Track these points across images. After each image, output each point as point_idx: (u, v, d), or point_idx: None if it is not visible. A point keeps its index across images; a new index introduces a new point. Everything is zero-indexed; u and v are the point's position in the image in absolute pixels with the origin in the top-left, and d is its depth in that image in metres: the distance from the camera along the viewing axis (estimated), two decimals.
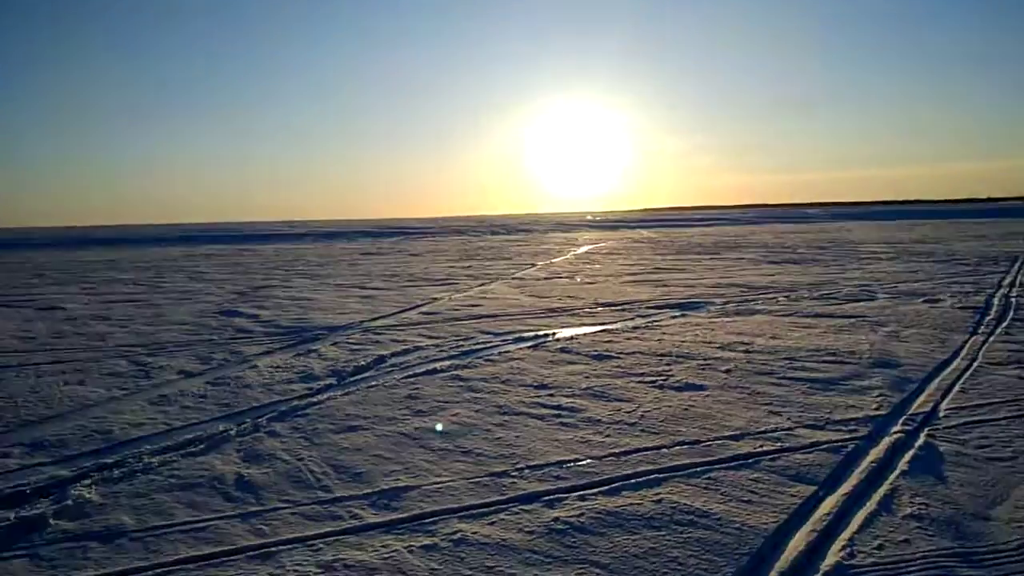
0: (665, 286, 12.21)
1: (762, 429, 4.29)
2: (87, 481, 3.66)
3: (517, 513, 3.18)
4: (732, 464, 3.75)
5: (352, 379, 5.91)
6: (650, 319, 8.62)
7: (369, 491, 3.48)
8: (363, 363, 6.43)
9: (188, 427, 4.65)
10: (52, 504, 3.35)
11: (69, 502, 3.35)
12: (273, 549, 2.89)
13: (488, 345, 7.25)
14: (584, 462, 3.80)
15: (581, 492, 3.40)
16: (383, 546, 2.90)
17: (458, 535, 2.97)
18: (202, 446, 4.21)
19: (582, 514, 3.16)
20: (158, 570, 2.75)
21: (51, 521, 3.18)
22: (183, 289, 13.98)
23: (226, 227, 67.38)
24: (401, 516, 3.19)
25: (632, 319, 8.71)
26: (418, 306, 10.51)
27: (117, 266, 21.60)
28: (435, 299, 11.30)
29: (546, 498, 3.34)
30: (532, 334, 7.75)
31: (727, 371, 5.75)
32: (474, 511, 3.22)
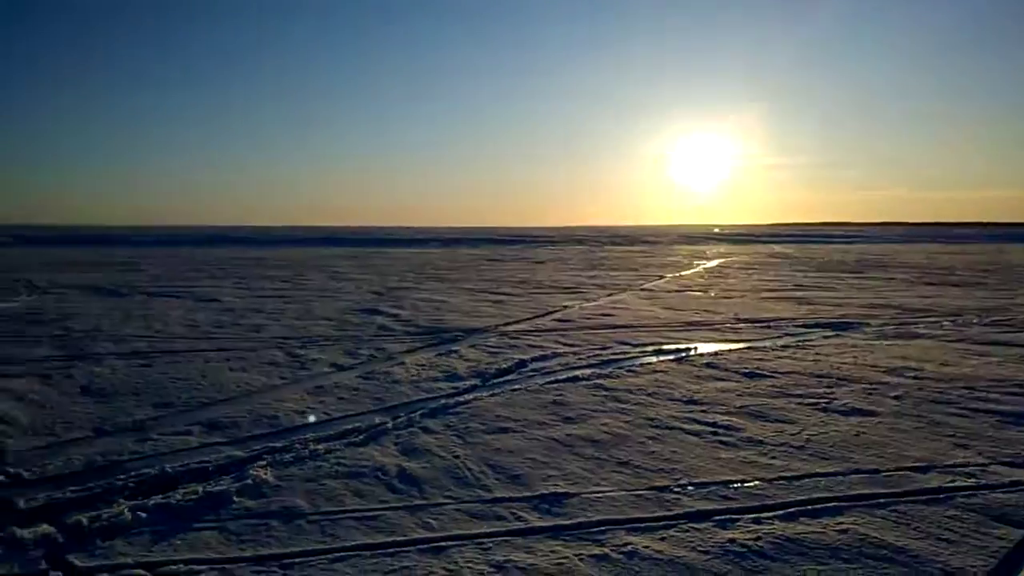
0: (810, 304, 11.52)
1: (950, 463, 3.88)
2: (262, 463, 3.84)
3: (687, 531, 3.03)
4: (921, 498, 3.40)
5: (495, 381, 5.93)
6: (800, 338, 8.13)
7: (529, 494, 3.43)
8: (504, 366, 6.45)
9: (346, 418, 4.81)
10: (233, 482, 3.53)
11: (249, 481, 3.52)
12: (443, 544, 2.90)
13: (627, 356, 7.08)
14: (752, 483, 3.58)
15: (754, 515, 3.19)
16: (551, 551, 2.83)
17: (629, 547, 2.85)
18: (361, 437, 4.34)
19: (759, 538, 2.95)
20: (336, 554, 2.81)
21: (234, 498, 3.35)
22: (325, 287, 14.73)
23: (357, 231, 70.78)
24: (565, 523, 3.11)
25: (779, 337, 8.25)
26: (549, 313, 10.48)
27: (263, 263, 23.14)
28: (566, 307, 11.24)
29: (717, 518, 3.16)
30: (672, 347, 7.50)
31: (897, 397, 5.29)
32: (641, 524, 3.09)
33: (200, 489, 3.44)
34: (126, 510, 3.15)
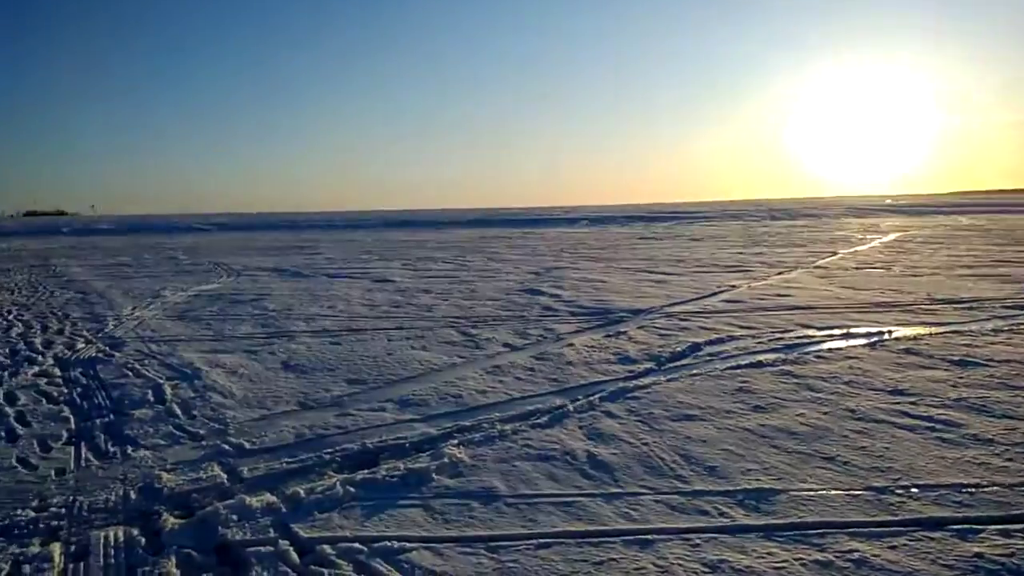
0: (1017, 282, 10.18)
1: None
2: (454, 441, 3.94)
3: (921, 540, 2.72)
4: None
5: (671, 365, 5.74)
6: (1012, 321, 7.18)
7: (730, 488, 3.25)
8: (678, 349, 6.23)
9: (526, 399, 4.84)
10: (431, 460, 3.64)
11: (445, 460, 3.62)
12: (648, 537, 2.80)
13: (812, 340, 6.59)
14: (989, 488, 3.16)
15: (1001, 526, 2.81)
16: (768, 553, 2.65)
17: (856, 555, 2.61)
18: (545, 419, 4.34)
19: (1012, 554, 2.59)
20: (540, 540, 2.81)
21: (434, 476, 3.46)
22: (485, 267, 15.09)
23: (506, 212, 72.14)
24: (777, 522, 2.91)
25: (987, 320, 7.34)
26: (716, 293, 10.03)
27: (425, 246, 24.15)
28: (733, 287, 10.71)
29: (954, 527, 2.81)
30: (862, 331, 6.89)
31: None
32: (865, 529, 2.82)
33: (401, 466, 3.58)
34: (338, 484, 3.34)
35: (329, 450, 3.89)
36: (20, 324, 8.51)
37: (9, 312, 9.68)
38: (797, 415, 4.31)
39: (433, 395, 4.97)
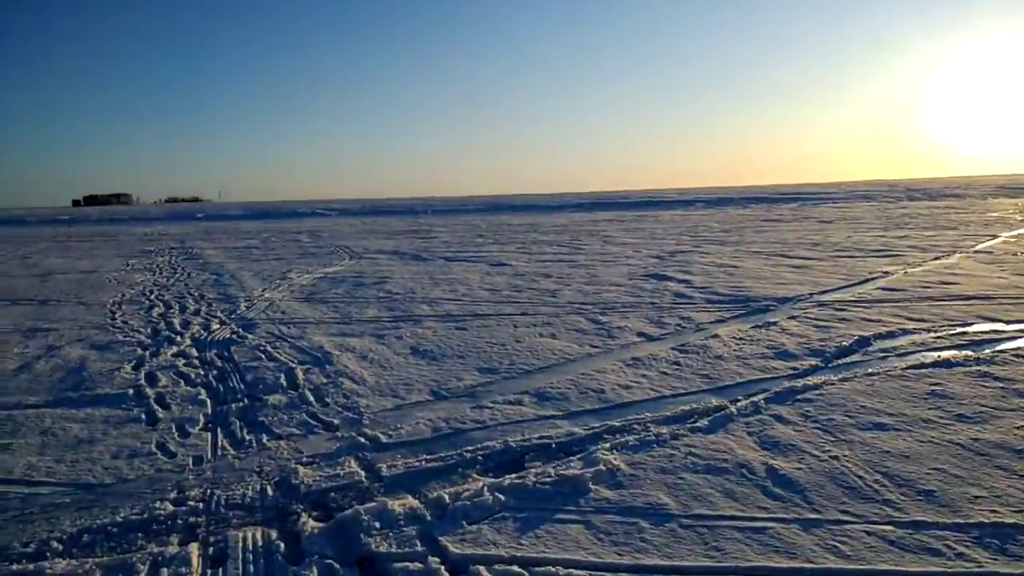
0: None
1: None
2: (605, 444, 3.52)
3: None
4: None
5: (840, 362, 5.06)
6: None
7: (961, 521, 2.65)
8: (843, 344, 5.51)
9: (677, 397, 4.35)
10: (584, 466, 3.24)
11: (600, 467, 3.21)
12: None
13: (1002, 335, 5.69)
14: None
15: None
16: None
17: None
18: (705, 422, 3.83)
19: None
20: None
21: (591, 486, 3.05)
22: (602, 251, 14.54)
23: (615, 195, 70.77)
24: None
25: None
26: (868, 280, 9.05)
27: (538, 229, 23.83)
28: (886, 273, 9.65)
29: None
30: None
31: None
32: None
33: (551, 471, 3.20)
34: (485, 489, 3.00)
35: (469, 448, 3.57)
36: (161, 304, 8.85)
37: (151, 292, 10.14)
38: (1017, 428, 3.58)
39: (572, 389, 4.56)
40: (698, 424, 3.80)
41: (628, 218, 30.76)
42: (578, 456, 3.39)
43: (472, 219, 34.00)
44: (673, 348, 5.63)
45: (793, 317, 6.69)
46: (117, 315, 8.07)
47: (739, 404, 4.10)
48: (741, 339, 5.86)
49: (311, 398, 4.55)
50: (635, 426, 3.80)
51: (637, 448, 3.48)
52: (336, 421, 4.08)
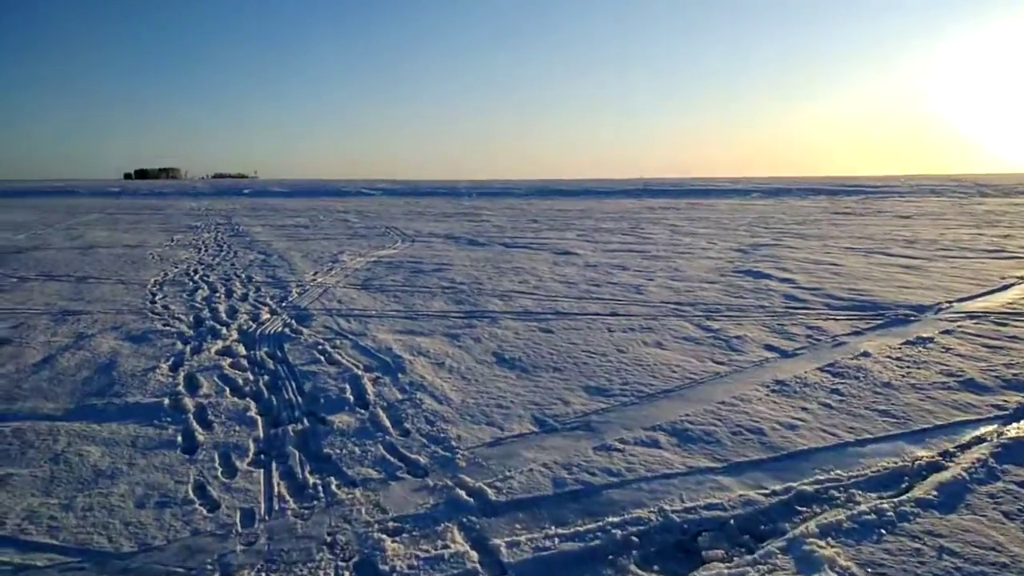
0: None
1: None
2: (809, 525, 2.50)
3: None
4: None
5: None
6: None
7: None
8: None
9: (863, 444, 3.31)
10: (797, 567, 2.22)
11: (825, 571, 2.18)
12: None
13: None
14: None
15: None
16: None
17: None
18: (932, 492, 2.78)
19: None
20: None
21: None
22: (672, 241, 13.41)
23: (663, 182, 68.78)
24: None
25: None
26: (1008, 286, 7.80)
27: (592, 215, 22.69)
28: (1022, 278, 8.36)
29: None
30: None
31: None
32: None
33: (753, 573, 2.20)
34: None
35: (613, 518, 2.60)
36: (205, 286, 8.06)
37: (195, 272, 9.38)
38: None
39: (718, 425, 3.55)
40: (924, 496, 2.75)
41: (682, 206, 29.39)
42: (778, 544, 2.39)
43: (519, 203, 32.93)
44: (820, 369, 4.56)
45: (948, 332, 5.54)
46: (157, 297, 7.29)
47: (961, 463, 3.04)
48: (900, 359, 4.76)
49: (386, 421, 3.62)
50: (833, 492, 2.78)
51: (859, 535, 2.46)
52: (423, 460, 3.14)
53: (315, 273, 9.20)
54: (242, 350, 5.05)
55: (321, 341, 5.29)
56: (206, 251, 12.14)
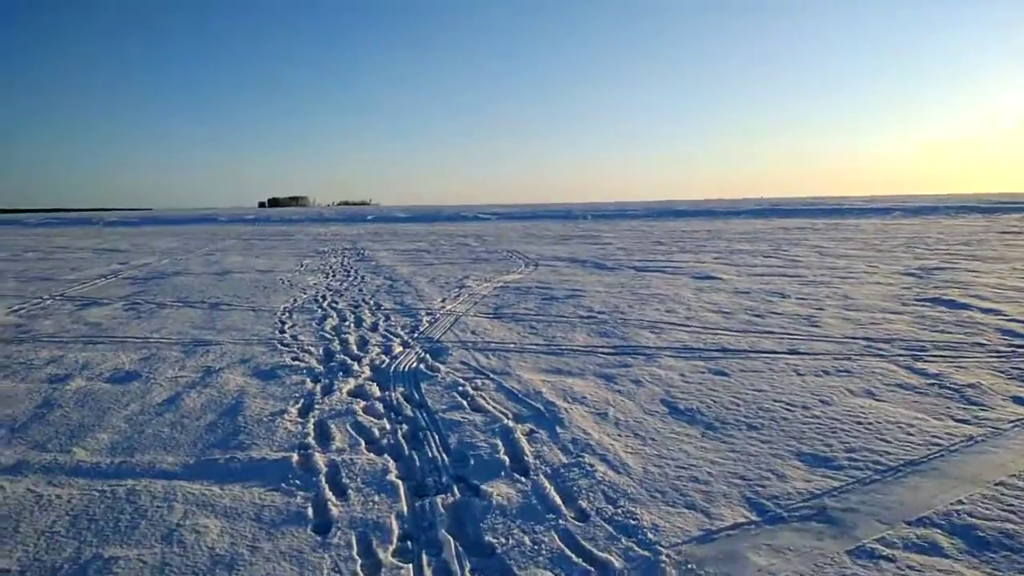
0: None
1: None
2: None
3: None
4: None
5: None
6: None
7: None
8: None
9: None
10: None
11: None
12: None
13: None
14: None
15: None
16: None
17: None
18: None
19: None
20: None
21: None
22: (824, 264, 12.03)
23: (793, 201, 65.15)
24: None
25: None
26: None
27: (721, 236, 21.32)
28: None
29: None
30: None
31: None
32: None
33: None
34: None
35: None
36: (334, 314, 7.72)
37: (324, 298, 9.15)
38: None
39: (1015, 520, 2.54)
40: None
41: (820, 226, 27.23)
42: None
43: (637, 225, 31.79)
44: None
45: None
46: (287, 326, 6.98)
47: None
48: None
49: (555, 496, 2.88)
50: None
51: None
52: (616, 562, 2.37)
53: (443, 300, 8.72)
54: (376, 390, 4.50)
55: (460, 380, 4.66)
56: (333, 276, 12.04)
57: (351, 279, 11.50)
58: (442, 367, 5.05)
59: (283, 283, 11.10)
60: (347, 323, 7.11)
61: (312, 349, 5.83)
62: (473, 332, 6.45)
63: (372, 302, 8.62)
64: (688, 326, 6.56)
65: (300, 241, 24.22)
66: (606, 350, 5.60)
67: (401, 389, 4.54)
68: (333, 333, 6.55)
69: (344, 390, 4.50)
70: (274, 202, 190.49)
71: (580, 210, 53.82)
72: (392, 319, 7.28)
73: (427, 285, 10.34)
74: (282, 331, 6.72)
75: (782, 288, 9.08)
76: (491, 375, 4.82)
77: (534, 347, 5.77)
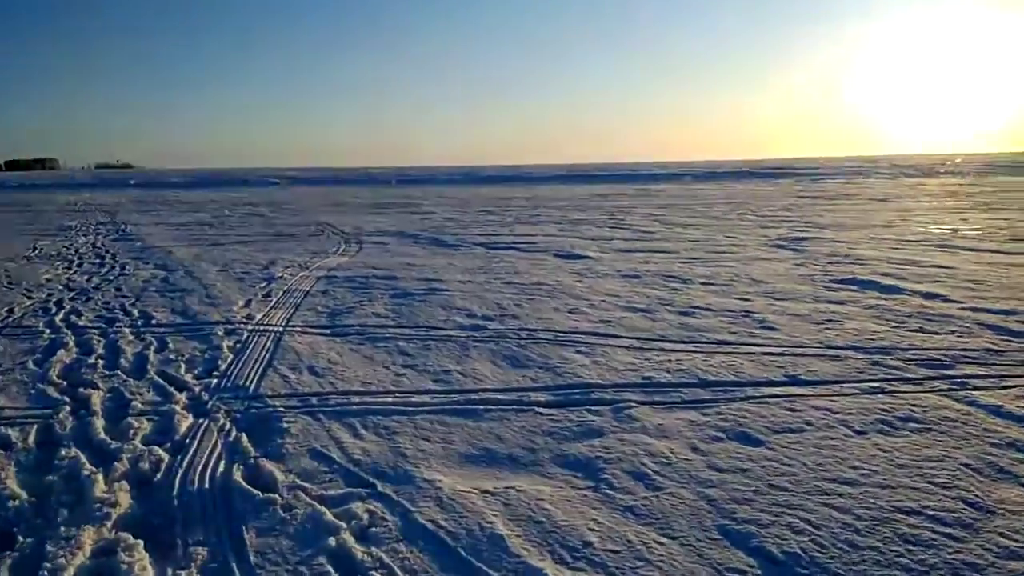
0: None
1: None
2: None
3: None
4: None
5: None
6: None
7: None
8: None
9: None
10: None
11: None
12: None
13: None
14: None
15: None
16: None
17: None
18: None
19: None
20: None
21: None
22: (683, 238, 11.00)
23: (587, 167, 67.14)
24: None
25: None
26: None
27: (544, 204, 20.14)
28: None
29: None
30: None
31: None
32: None
33: None
34: None
35: None
36: (71, 338, 4.88)
37: (59, 305, 6.12)
38: None
39: None
40: None
41: (631, 191, 27.31)
42: None
43: (450, 192, 29.90)
44: None
45: None
46: None
47: None
48: None
49: None
50: None
51: None
52: None
53: (247, 301, 6.15)
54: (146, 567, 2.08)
55: (326, 517, 2.38)
56: (79, 265, 8.70)
57: (106, 269, 8.31)
58: (279, 474, 2.71)
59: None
60: (92, 358, 4.37)
61: (13, 436, 3.13)
62: (311, 368, 4.10)
63: (137, 310, 5.82)
64: (616, 336, 4.77)
65: (40, 213, 19.16)
66: (540, 396, 3.59)
67: (199, 534, 2.16)
68: (61, 386, 3.82)
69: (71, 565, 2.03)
70: (12, 165, 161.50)
71: (384, 175, 50.68)
72: (171, 345, 4.65)
73: (219, 276, 7.59)
74: None
75: (670, 269, 7.67)
76: (379, 489, 2.58)
77: (425, 398, 3.59)
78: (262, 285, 7.03)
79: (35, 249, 10.53)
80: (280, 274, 7.74)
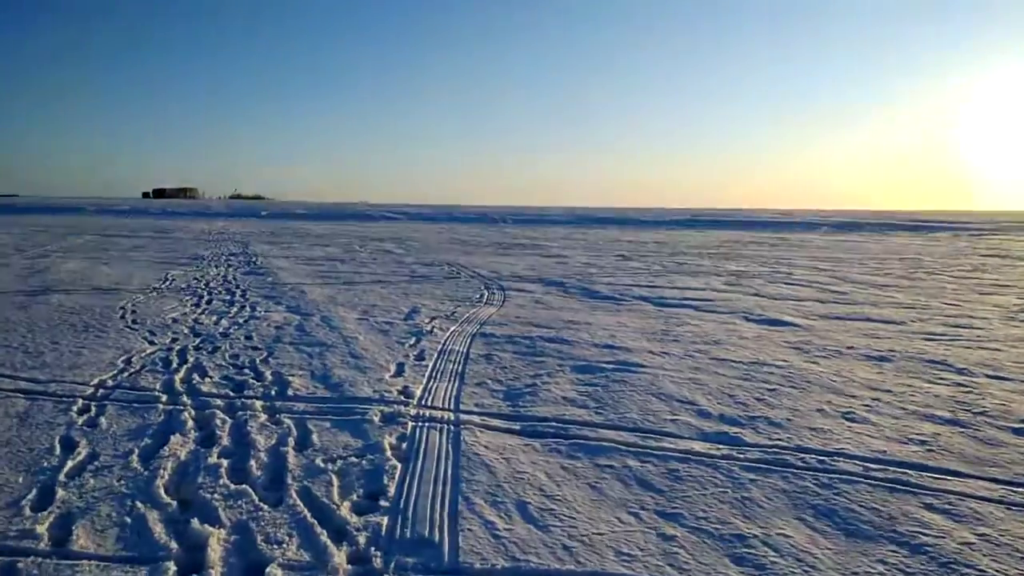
0: None
1: None
2: None
3: None
4: None
5: None
6: None
7: None
8: None
9: None
10: None
11: None
12: None
13: None
14: None
15: None
16: None
17: None
18: None
19: None
20: None
21: None
22: (884, 300, 9.03)
23: (706, 212, 64.52)
24: None
25: None
26: None
27: (678, 248, 18.38)
28: None
29: None
30: None
31: None
32: None
33: None
34: None
35: None
36: (190, 414, 3.75)
37: (182, 355, 5.13)
38: None
39: None
40: None
41: (771, 239, 25.02)
42: None
43: (568, 232, 28.62)
44: None
45: None
46: (64, 471, 2.97)
47: None
48: None
49: None
50: None
51: None
52: None
53: (397, 367, 4.94)
54: None
55: None
56: (208, 303, 7.88)
57: (236, 310, 7.42)
58: None
59: (124, 316, 6.88)
60: (214, 453, 3.18)
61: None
62: (522, 508, 2.71)
63: (270, 373, 4.68)
64: (959, 475, 3.10)
65: (176, 241, 19.38)
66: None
67: None
68: (169, 511, 2.61)
69: None
70: (159, 193, 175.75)
71: (495, 213, 50.27)
72: (315, 438, 3.42)
73: (360, 327, 6.47)
74: (51, 489, 2.71)
75: (918, 349, 5.87)
76: None
77: (703, 559, 2.09)
78: (411, 342, 5.84)
79: (166, 280, 9.96)
80: (427, 327, 6.56)
